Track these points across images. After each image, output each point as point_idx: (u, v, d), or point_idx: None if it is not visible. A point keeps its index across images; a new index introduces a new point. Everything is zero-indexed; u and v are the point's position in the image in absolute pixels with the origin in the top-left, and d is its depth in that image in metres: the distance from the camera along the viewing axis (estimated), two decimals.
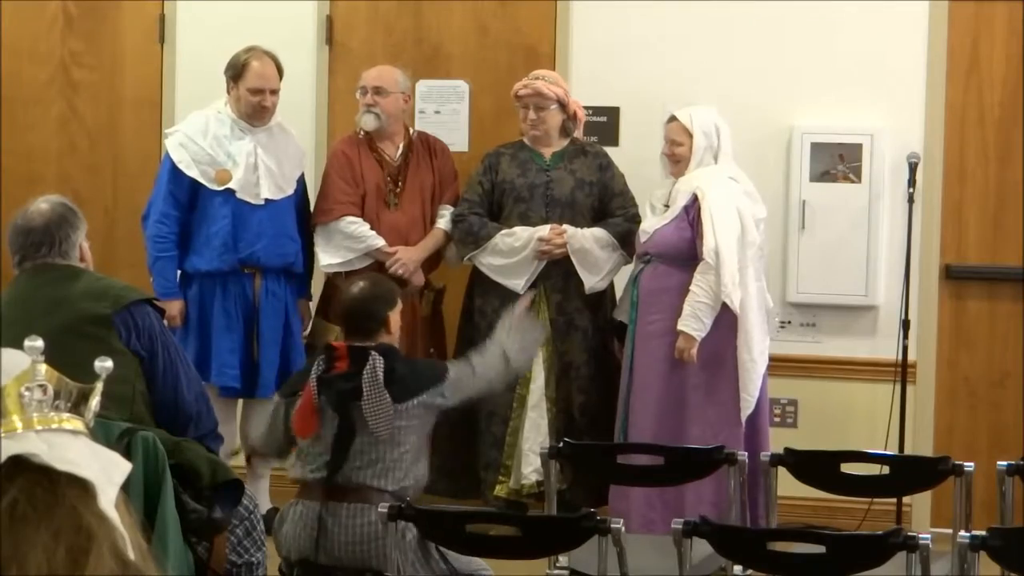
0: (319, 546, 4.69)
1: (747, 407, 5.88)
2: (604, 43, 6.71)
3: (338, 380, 4.73)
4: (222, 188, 6.10)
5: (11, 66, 7.12)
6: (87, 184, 7.03)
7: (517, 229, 6.20)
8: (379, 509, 4.24)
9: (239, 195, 6.10)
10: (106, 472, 1.38)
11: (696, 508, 5.49)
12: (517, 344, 5.04)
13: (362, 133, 6.37)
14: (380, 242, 6.24)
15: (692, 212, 5.90)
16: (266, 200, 6.15)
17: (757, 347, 5.87)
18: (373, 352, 4.72)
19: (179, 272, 6.16)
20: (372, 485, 4.67)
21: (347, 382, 4.71)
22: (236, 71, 6.15)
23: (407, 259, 6.24)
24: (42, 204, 4.25)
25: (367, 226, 6.25)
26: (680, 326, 5.79)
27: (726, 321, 5.84)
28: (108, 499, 1.35)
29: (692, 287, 5.80)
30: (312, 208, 6.36)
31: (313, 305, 6.47)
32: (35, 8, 7.12)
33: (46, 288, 4.08)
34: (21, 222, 4.21)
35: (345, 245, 6.25)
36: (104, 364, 1.50)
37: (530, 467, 6.10)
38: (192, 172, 6.10)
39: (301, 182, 6.35)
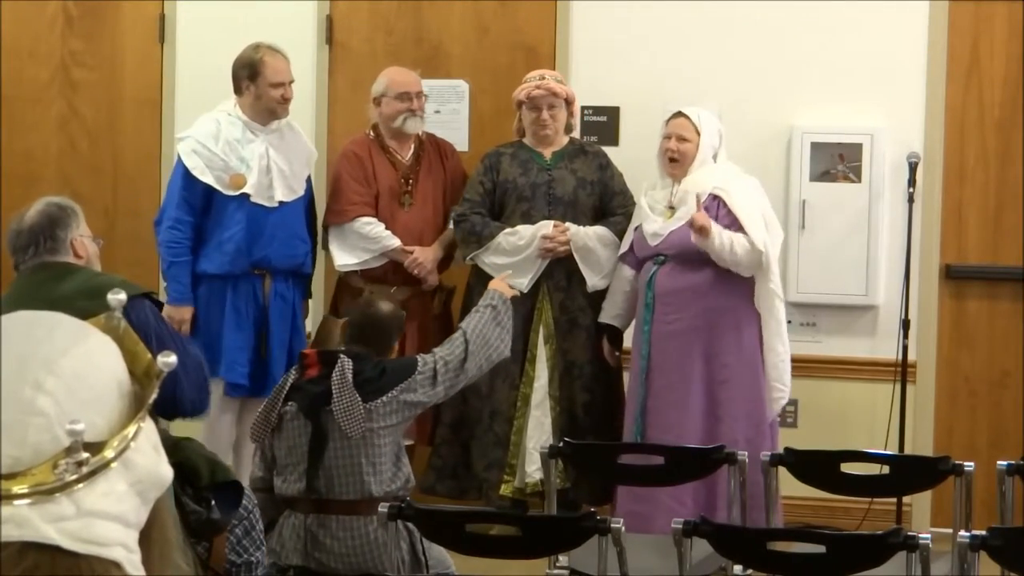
0: (313, 556, 4.70)
1: (783, 398, 5.91)
2: (604, 43, 6.71)
3: (308, 385, 4.74)
4: (237, 193, 6.09)
5: (11, 66, 7.12)
6: (87, 184, 7.03)
7: (520, 228, 6.20)
8: (380, 509, 4.24)
9: (253, 199, 6.10)
10: (143, 496, 1.36)
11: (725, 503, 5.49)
12: (479, 325, 5.03)
13: (372, 135, 6.38)
14: (396, 242, 6.25)
15: (714, 211, 5.89)
16: (279, 203, 6.15)
17: (787, 337, 5.90)
18: (342, 356, 4.73)
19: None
20: (357, 497, 4.67)
21: (317, 386, 4.72)
22: (253, 70, 6.12)
23: (424, 259, 6.27)
24: (36, 205, 4.29)
25: (382, 226, 6.26)
26: (713, 226, 5.75)
27: (752, 316, 5.86)
28: (135, 566, 1.34)
29: (743, 239, 5.77)
30: (325, 208, 6.37)
31: (316, 303, 6.48)
32: (35, 8, 7.12)
33: (42, 287, 4.10)
34: (15, 225, 4.26)
35: (361, 246, 6.27)
36: (118, 297, 1.47)
37: (534, 466, 6.10)
38: (207, 178, 6.08)
39: (308, 182, 6.36)
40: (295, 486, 4.72)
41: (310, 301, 6.49)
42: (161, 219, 6.16)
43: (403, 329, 5.07)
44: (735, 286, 5.88)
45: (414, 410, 4.87)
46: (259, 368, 6.15)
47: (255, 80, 6.13)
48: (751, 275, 5.86)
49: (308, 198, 6.35)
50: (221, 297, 6.13)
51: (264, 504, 4.70)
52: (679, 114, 6.03)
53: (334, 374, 4.70)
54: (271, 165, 6.13)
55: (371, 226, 6.26)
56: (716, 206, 5.91)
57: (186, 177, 6.09)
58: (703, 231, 5.74)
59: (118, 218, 7.01)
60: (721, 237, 5.77)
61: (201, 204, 6.10)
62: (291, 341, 6.22)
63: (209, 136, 6.12)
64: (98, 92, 7.13)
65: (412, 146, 6.40)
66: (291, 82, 6.19)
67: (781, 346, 5.90)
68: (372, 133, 6.40)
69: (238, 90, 6.18)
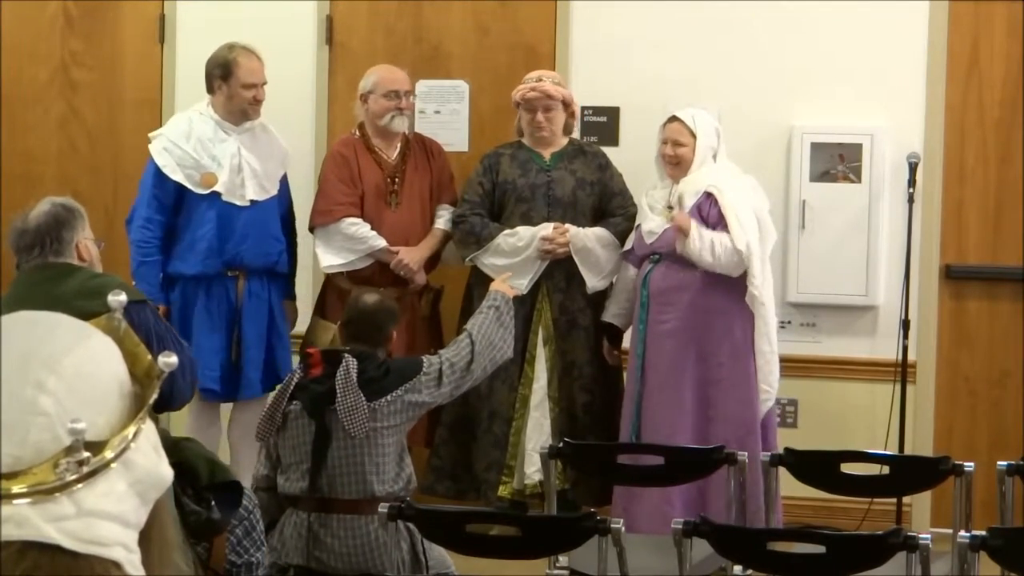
0: (313, 555, 4.70)
1: (769, 399, 5.91)
2: (604, 43, 6.71)
3: (312, 384, 4.74)
4: (208, 191, 6.09)
5: (11, 66, 7.12)
6: (87, 184, 7.03)
7: (520, 229, 6.20)
8: (380, 510, 4.24)
9: (224, 197, 6.10)
10: (143, 497, 1.36)
11: (717, 504, 5.49)
12: (484, 326, 5.03)
13: (357, 134, 6.37)
14: (382, 243, 6.24)
15: (707, 210, 5.90)
16: (251, 201, 6.15)
17: (776, 339, 5.90)
18: (346, 355, 4.73)
19: (162, 276, 6.15)
20: (359, 496, 4.67)
21: (320, 385, 4.72)
22: (225, 70, 6.13)
23: (410, 259, 6.25)
24: (41, 206, 4.30)
25: (368, 227, 6.25)
26: (693, 228, 5.77)
27: (745, 317, 5.86)
28: (135, 566, 1.34)
29: (725, 239, 5.78)
30: (311, 209, 6.36)
31: (304, 304, 6.47)
32: (35, 8, 7.12)
33: (42, 286, 4.11)
34: (19, 224, 4.26)
35: (347, 247, 6.26)
36: (118, 298, 1.47)
37: (533, 467, 6.10)
38: (177, 176, 6.09)
39: (284, 182, 6.35)
40: (298, 485, 4.73)
41: (296, 303, 6.46)
42: (132, 218, 6.16)
43: (396, 315, 5.04)
44: (728, 286, 5.88)
45: (418, 410, 4.87)
46: (233, 371, 6.14)
47: (227, 80, 6.14)
48: (736, 275, 5.86)
49: (284, 197, 6.35)
50: (195, 300, 6.13)
51: (268, 503, 4.72)
52: (673, 119, 6.03)
53: (338, 373, 4.71)
54: (243, 164, 6.13)
55: (356, 227, 6.24)
56: (708, 204, 5.92)
57: (157, 175, 6.10)
58: (681, 231, 5.76)
59: (118, 218, 6.99)
60: (701, 239, 5.78)
61: (172, 203, 6.11)
62: (270, 339, 6.21)
63: (180, 135, 6.13)
64: (98, 92, 7.13)
65: (398, 145, 6.38)
66: (264, 84, 6.18)
67: (768, 347, 5.89)
68: (358, 133, 6.38)
69: (211, 89, 6.18)
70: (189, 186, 6.08)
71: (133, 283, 6.06)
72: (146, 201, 6.10)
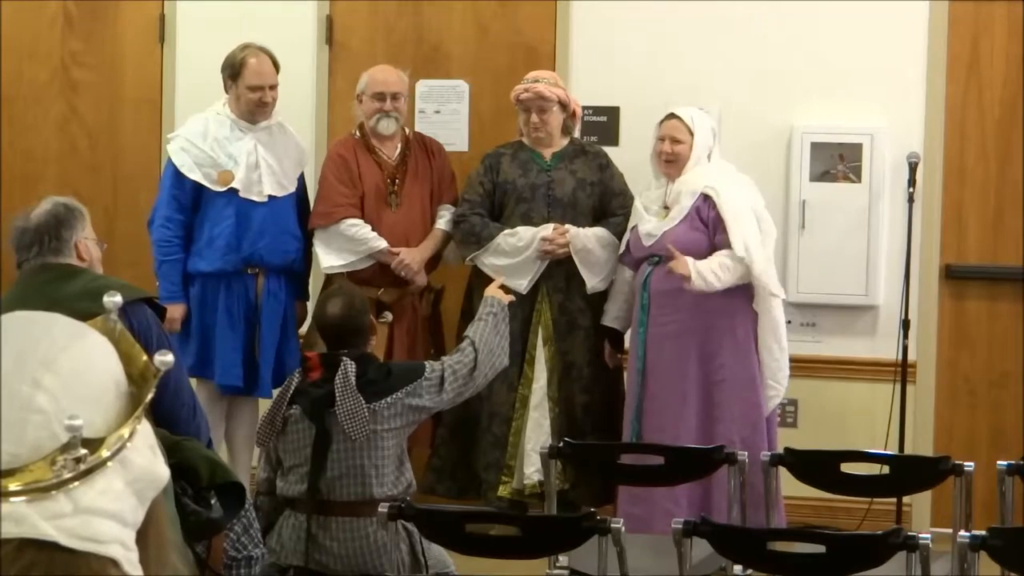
0: (313, 557, 4.70)
1: (777, 395, 5.91)
2: (604, 43, 6.71)
3: (312, 388, 4.74)
4: (225, 189, 6.12)
5: (11, 66, 7.13)
6: (87, 184, 7.03)
7: (520, 229, 6.20)
8: (380, 509, 4.24)
9: (242, 194, 6.13)
10: (140, 496, 1.36)
11: (721, 505, 5.49)
12: (486, 333, 5.02)
13: (357, 134, 6.37)
14: (382, 244, 6.24)
15: (705, 211, 5.89)
16: (269, 197, 6.16)
17: (785, 336, 5.90)
18: (345, 358, 4.73)
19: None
20: (358, 499, 4.67)
21: (319, 389, 4.72)
22: (234, 70, 6.16)
23: (411, 260, 6.25)
24: (43, 204, 4.31)
25: (368, 228, 6.24)
26: (692, 270, 5.76)
27: (747, 316, 5.86)
28: (133, 564, 1.34)
29: (724, 259, 5.77)
30: (312, 211, 6.36)
31: (310, 305, 6.48)
32: (35, 8, 7.12)
33: (44, 288, 4.11)
34: (20, 222, 4.27)
35: (347, 248, 6.25)
36: (114, 299, 1.47)
37: (532, 467, 6.10)
38: (194, 175, 6.13)
39: (301, 180, 6.36)
40: (297, 487, 4.73)
41: (308, 304, 6.47)
42: (153, 218, 6.20)
43: (365, 305, 4.98)
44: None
45: (419, 415, 4.85)
46: (250, 367, 6.16)
47: (235, 81, 6.17)
48: (746, 281, 5.86)
49: (301, 195, 6.36)
50: (214, 297, 6.15)
51: (270, 507, 4.72)
52: (672, 116, 6.02)
53: (337, 377, 4.70)
54: (259, 161, 6.16)
55: (356, 228, 6.24)
56: (707, 207, 5.91)
57: (175, 175, 6.14)
58: (684, 277, 5.76)
59: (118, 218, 7.01)
60: (704, 274, 5.76)
61: (191, 202, 6.15)
62: (281, 342, 6.22)
63: (197, 134, 6.16)
64: (98, 92, 7.13)
65: (398, 145, 6.38)
66: (272, 86, 6.18)
67: (776, 344, 5.90)
68: (358, 133, 6.38)
69: (226, 88, 6.21)
70: (207, 184, 6.11)
71: (157, 282, 6.10)
72: (165, 201, 6.15)
